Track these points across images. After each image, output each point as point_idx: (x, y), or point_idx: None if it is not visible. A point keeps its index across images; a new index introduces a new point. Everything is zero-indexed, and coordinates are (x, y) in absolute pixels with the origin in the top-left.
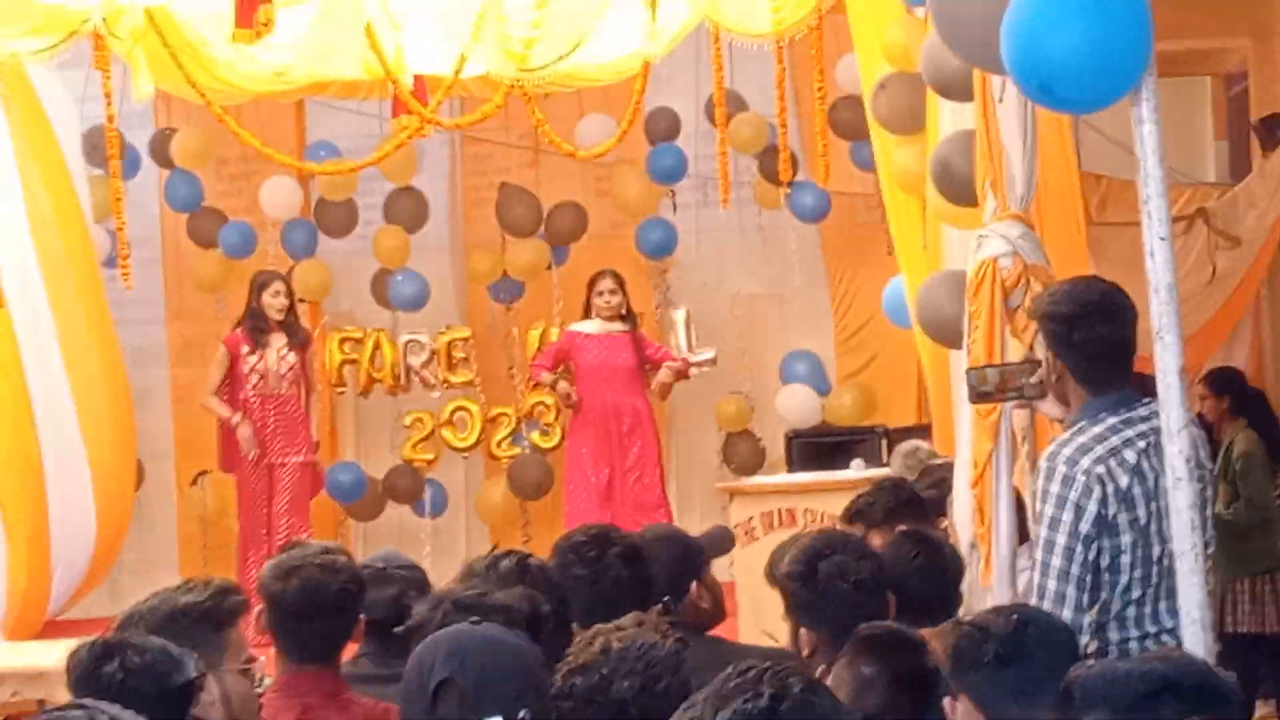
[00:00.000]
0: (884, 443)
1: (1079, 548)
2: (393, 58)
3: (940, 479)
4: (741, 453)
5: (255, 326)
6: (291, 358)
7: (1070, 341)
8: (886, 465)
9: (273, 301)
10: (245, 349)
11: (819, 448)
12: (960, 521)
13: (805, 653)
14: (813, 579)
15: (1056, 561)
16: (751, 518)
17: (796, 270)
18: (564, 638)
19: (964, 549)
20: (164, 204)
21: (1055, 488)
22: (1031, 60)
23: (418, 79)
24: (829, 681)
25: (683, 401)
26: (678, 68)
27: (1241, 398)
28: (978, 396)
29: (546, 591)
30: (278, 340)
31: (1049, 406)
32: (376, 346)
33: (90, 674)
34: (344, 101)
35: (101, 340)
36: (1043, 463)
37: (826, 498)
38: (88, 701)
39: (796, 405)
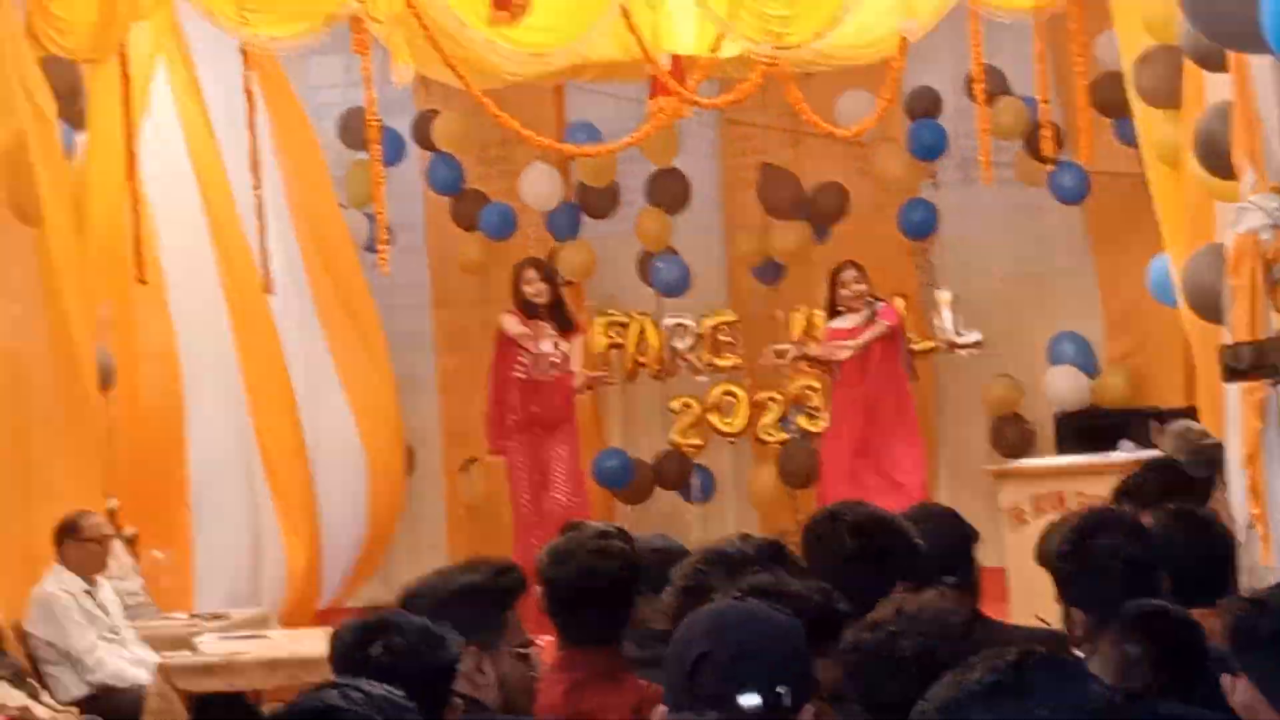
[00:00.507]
0: (1156, 423)
1: None
2: (650, 38)
3: (1211, 459)
4: (1010, 435)
5: (524, 312)
6: (564, 345)
7: None
8: (1156, 446)
9: (528, 288)
10: (519, 330)
11: (1088, 430)
12: (1235, 501)
13: (1077, 634)
14: (1083, 557)
15: None
16: (1020, 501)
17: (1061, 250)
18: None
19: (1240, 529)
20: (427, 189)
21: None
22: None
23: (675, 59)
24: (1096, 660)
25: (950, 385)
26: (937, 45)
27: None
28: (1231, 374)
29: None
30: (548, 327)
31: None
32: (642, 331)
33: (353, 654)
34: (602, 85)
35: (365, 326)
36: None
37: (1096, 480)
38: (341, 680)
39: (1065, 387)
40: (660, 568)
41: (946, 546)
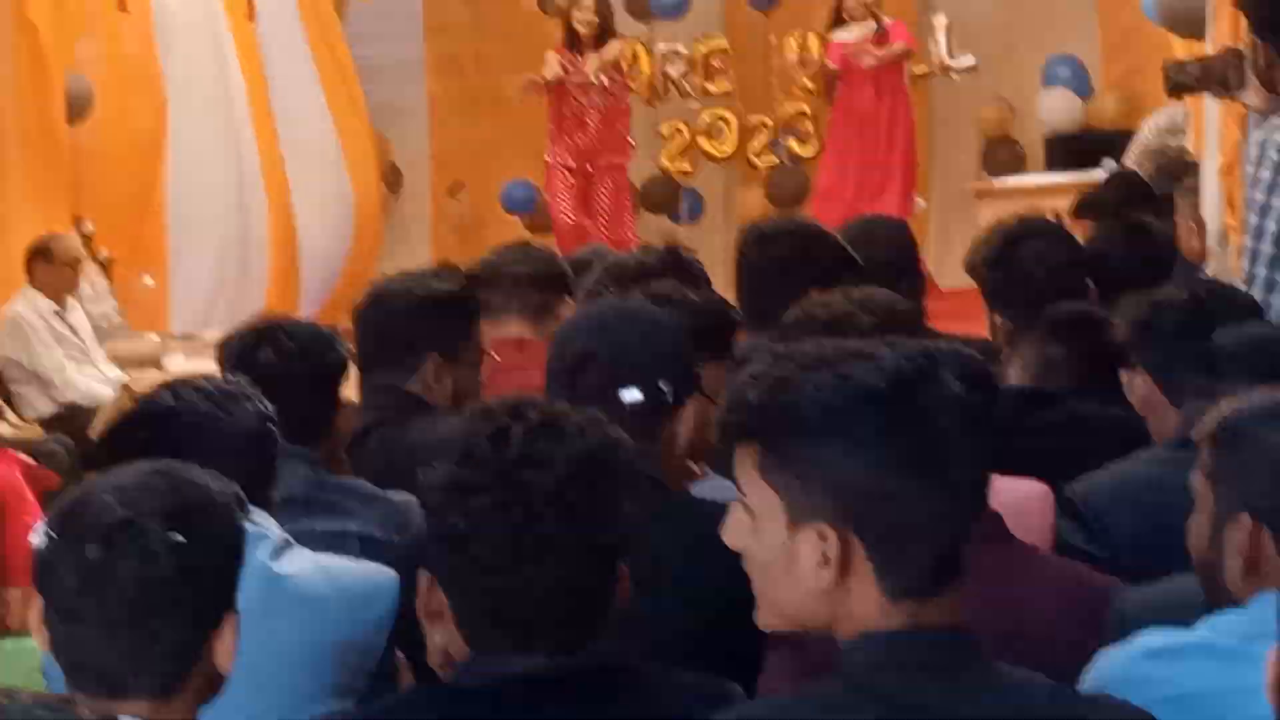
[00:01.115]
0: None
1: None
2: None
3: (1179, 174)
4: (1001, 157)
5: (569, 44)
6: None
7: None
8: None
9: (580, 15)
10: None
11: (1079, 151)
12: (1209, 212)
13: (999, 339)
14: (1008, 263)
15: (1267, 248)
16: (1000, 218)
17: None
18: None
19: (1212, 240)
20: None
21: (1267, 174)
22: None
23: None
24: (1017, 363)
25: (943, 107)
26: None
27: None
28: (1175, 88)
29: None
30: (592, 60)
31: (1251, 96)
32: (634, 56)
33: (241, 359)
34: None
35: (342, 57)
36: (1253, 147)
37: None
38: (178, 380)
39: (1057, 109)
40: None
41: (891, 258)
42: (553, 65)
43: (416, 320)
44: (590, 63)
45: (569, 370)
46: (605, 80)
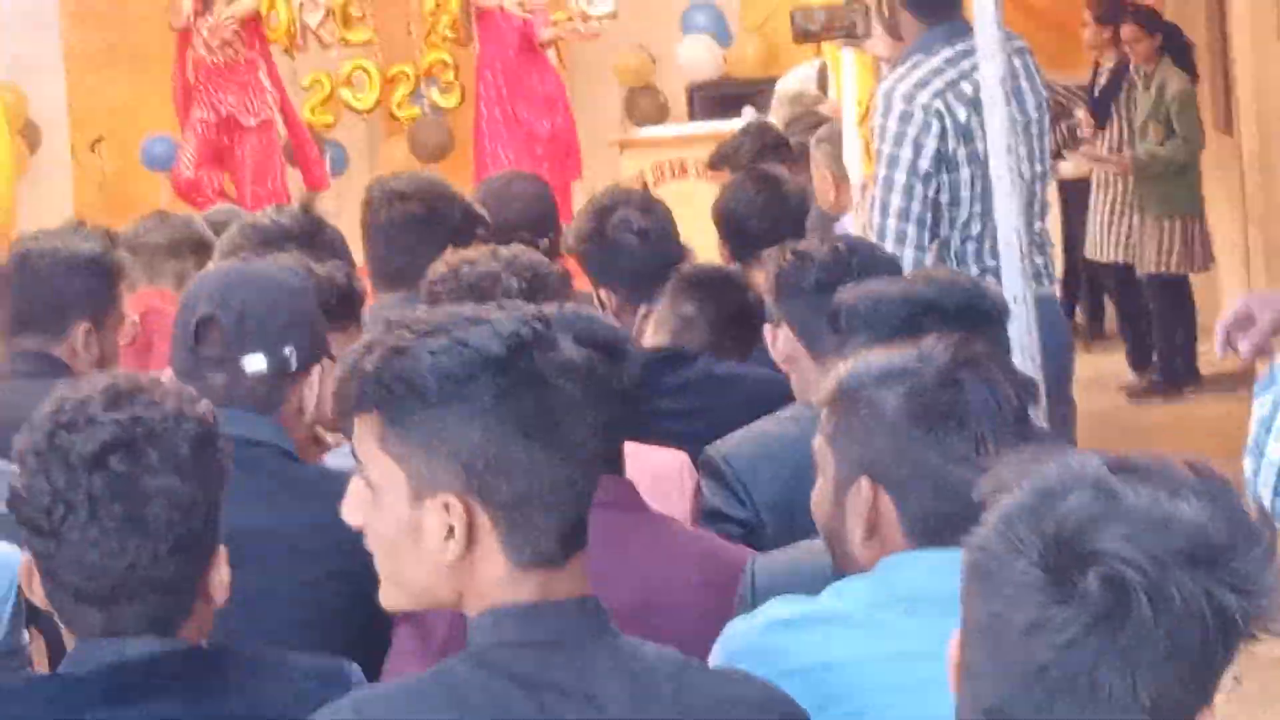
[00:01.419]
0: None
1: (919, 185)
2: None
3: (814, 123)
4: (643, 107)
5: None
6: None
7: None
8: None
9: None
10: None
11: (721, 100)
12: (850, 160)
13: (611, 314)
14: (600, 237)
15: (896, 200)
16: (643, 169)
17: None
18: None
19: (856, 192)
20: None
21: (893, 124)
22: None
23: None
24: (653, 324)
25: (583, 57)
26: None
27: (1170, 36)
28: (803, 35)
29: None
30: (220, 10)
31: (877, 44)
32: (271, 5)
33: None
34: None
35: None
36: (879, 99)
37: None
38: None
39: (697, 58)
40: None
41: (530, 216)
42: (183, 7)
43: (66, 283)
44: (218, 13)
45: (192, 335)
46: (229, 36)
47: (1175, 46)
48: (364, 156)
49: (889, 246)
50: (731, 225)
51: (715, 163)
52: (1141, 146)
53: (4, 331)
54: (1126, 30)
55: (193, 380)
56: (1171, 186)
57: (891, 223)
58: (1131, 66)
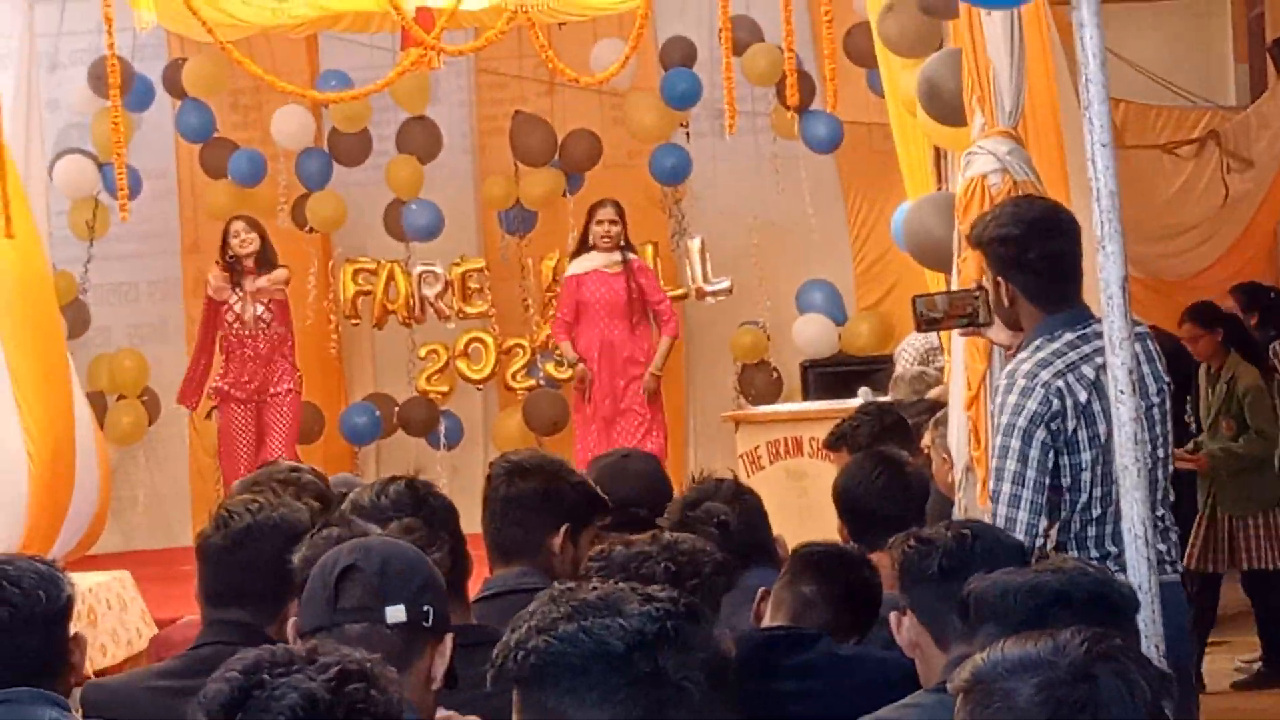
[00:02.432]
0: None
1: (1037, 467)
2: None
3: (932, 405)
4: (757, 383)
5: (230, 268)
6: (263, 282)
7: (1021, 262)
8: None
9: (236, 244)
10: (224, 292)
11: (835, 377)
12: (956, 445)
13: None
14: (684, 527)
15: (1016, 481)
16: (757, 446)
17: (812, 199)
18: (461, 556)
19: (959, 473)
20: (178, 137)
21: (1014, 398)
22: None
23: (422, 10)
24: (770, 602)
25: (699, 332)
26: None
27: (1232, 330)
28: (926, 324)
29: (439, 516)
30: (250, 281)
31: (997, 333)
32: (390, 278)
33: None
34: (356, 35)
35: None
36: (1002, 379)
37: (830, 426)
38: None
39: (813, 335)
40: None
41: (643, 493)
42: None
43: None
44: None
45: (331, 587)
46: (264, 311)
47: (1239, 338)
48: (479, 428)
49: (1001, 517)
50: (850, 505)
51: (833, 443)
52: (1214, 443)
53: (208, 601)
54: (1185, 330)
55: (326, 631)
56: (1249, 481)
57: (1009, 510)
58: (1202, 366)
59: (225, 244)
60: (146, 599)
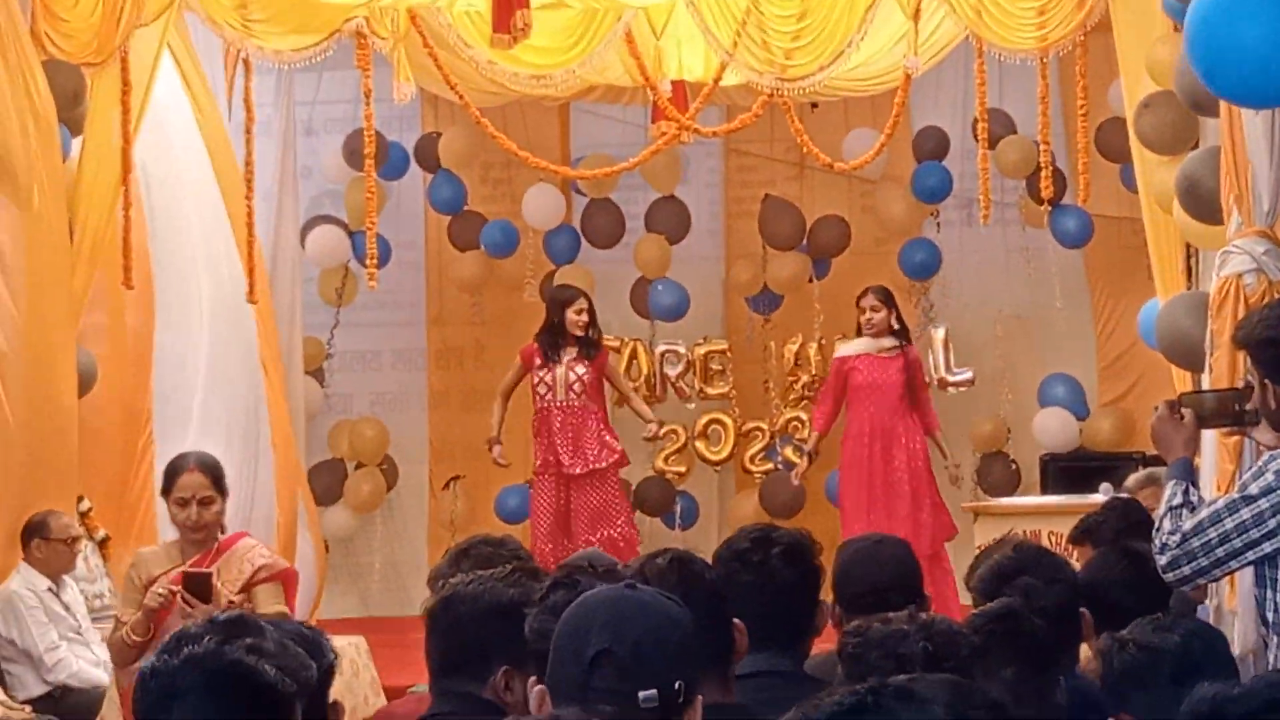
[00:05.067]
0: (1141, 469)
1: (1255, 527)
2: (653, 63)
3: None
4: (996, 474)
5: (552, 342)
6: (580, 369)
7: None
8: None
9: (576, 319)
10: (538, 362)
11: (1074, 471)
12: None
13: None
14: (996, 597)
15: (1227, 523)
16: (996, 538)
17: (1059, 293)
18: (725, 634)
19: None
20: (428, 208)
21: (1267, 479)
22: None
23: (677, 85)
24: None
25: (940, 421)
26: (945, 86)
27: None
28: (1198, 422)
29: (705, 592)
30: (569, 354)
31: (1263, 434)
32: (633, 355)
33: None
34: (608, 107)
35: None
36: (1256, 464)
37: (1072, 521)
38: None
39: (1054, 428)
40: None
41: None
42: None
43: (488, 628)
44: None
45: (585, 668)
46: (574, 392)
47: None
48: (714, 509)
49: (1194, 530)
50: (1097, 599)
51: (1078, 536)
52: None
53: (432, 671)
54: None
55: (578, 704)
56: None
57: (1199, 539)
58: None
59: (559, 315)
60: (378, 665)
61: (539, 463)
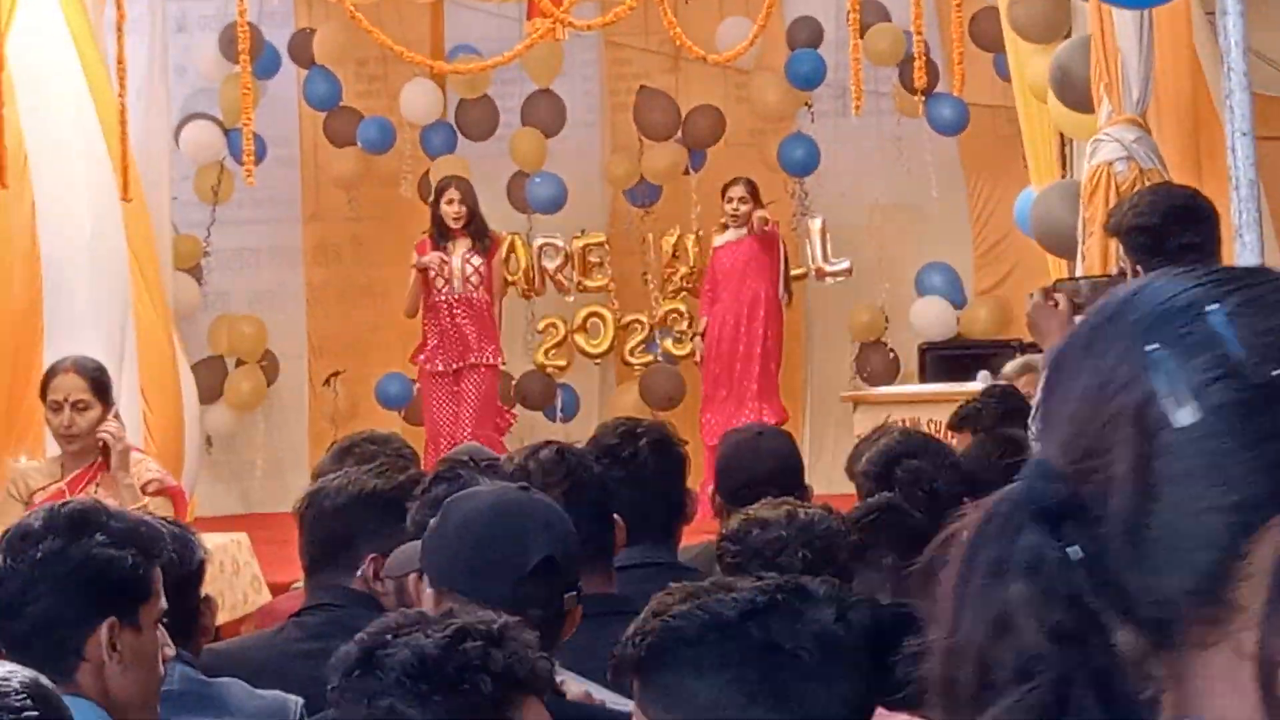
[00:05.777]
0: (1018, 356)
1: None
2: None
3: None
4: (874, 364)
5: (438, 232)
6: (476, 260)
7: (1161, 250)
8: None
9: (448, 209)
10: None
11: (953, 361)
12: None
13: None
14: (886, 481)
15: None
16: (875, 427)
17: (934, 182)
18: (608, 527)
19: None
20: (303, 105)
21: None
22: None
23: None
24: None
25: (817, 312)
26: None
27: None
28: (1072, 309)
29: (589, 484)
30: (463, 245)
31: None
32: (511, 249)
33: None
34: (482, 4)
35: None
36: None
37: (951, 409)
38: None
39: (931, 317)
40: None
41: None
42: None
43: (353, 519)
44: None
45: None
46: (470, 279)
47: None
48: (595, 401)
49: None
50: (977, 484)
51: (957, 424)
52: None
53: (306, 568)
54: None
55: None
56: None
57: None
58: None
59: (434, 207)
60: (261, 561)
61: (424, 357)
